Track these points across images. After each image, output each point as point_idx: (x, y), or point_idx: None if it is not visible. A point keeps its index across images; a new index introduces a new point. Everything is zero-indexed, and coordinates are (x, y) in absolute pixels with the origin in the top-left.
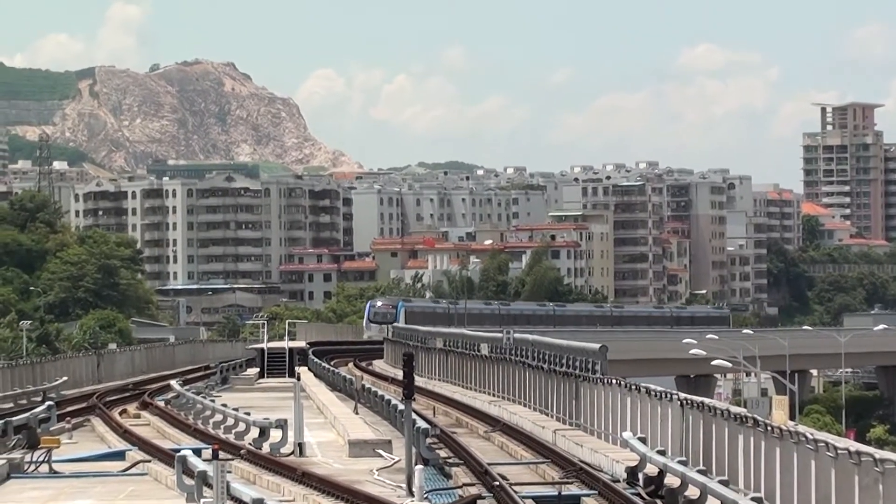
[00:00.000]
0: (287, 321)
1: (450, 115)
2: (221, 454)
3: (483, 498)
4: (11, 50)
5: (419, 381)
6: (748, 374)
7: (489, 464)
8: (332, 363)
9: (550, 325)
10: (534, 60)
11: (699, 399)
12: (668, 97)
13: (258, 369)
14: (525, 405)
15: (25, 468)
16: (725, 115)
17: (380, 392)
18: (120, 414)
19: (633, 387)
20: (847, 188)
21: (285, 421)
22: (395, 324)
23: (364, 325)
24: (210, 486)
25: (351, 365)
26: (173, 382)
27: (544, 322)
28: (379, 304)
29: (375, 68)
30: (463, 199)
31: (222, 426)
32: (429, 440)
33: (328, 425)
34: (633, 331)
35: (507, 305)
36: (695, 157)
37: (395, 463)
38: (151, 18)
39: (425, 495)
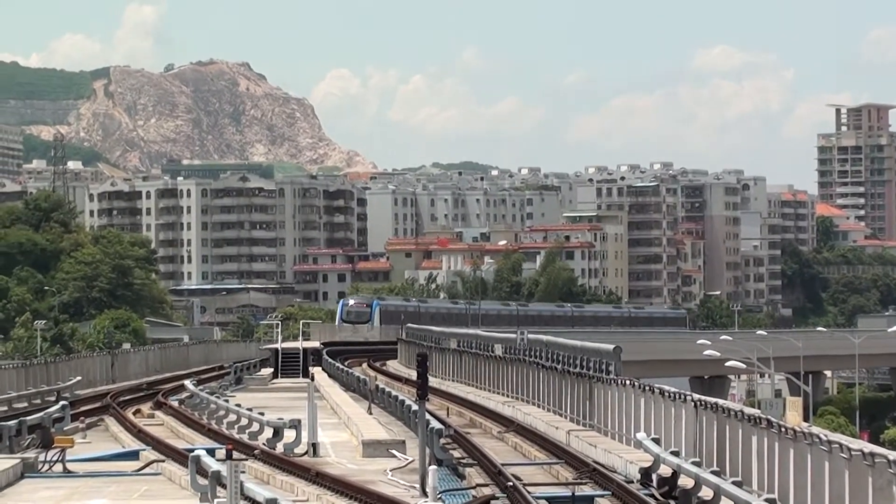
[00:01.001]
0: (301, 321)
1: (465, 115)
2: (235, 454)
3: (497, 498)
4: (27, 49)
5: (433, 381)
6: (762, 376)
7: (503, 464)
8: (346, 363)
9: (515, 324)
10: (549, 61)
11: (713, 400)
12: (683, 98)
13: (272, 369)
14: (539, 406)
15: (39, 467)
16: (740, 117)
17: (394, 392)
18: (134, 414)
19: (647, 388)
20: (861, 189)
21: (299, 421)
22: (369, 324)
23: (336, 325)
24: (224, 486)
25: (365, 365)
26: (187, 382)
27: (509, 322)
28: (352, 302)
29: (391, 69)
30: (477, 200)
31: (236, 426)
32: (442, 441)
33: (342, 425)
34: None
35: (473, 306)
36: (709, 158)
37: (409, 463)
38: (167, 19)
39: (439, 496)
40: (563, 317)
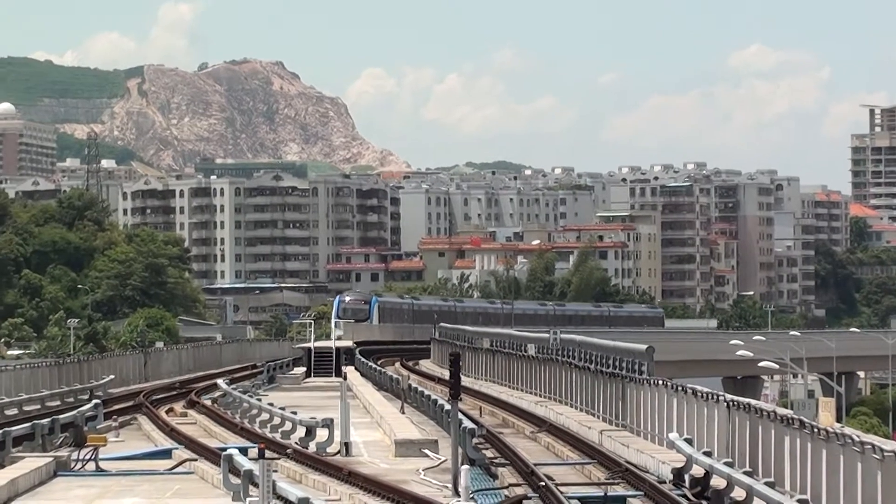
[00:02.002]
0: (334, 320)
1: (499, 114)
2: (268, 453)
3: (529, 498)
4: (62, 47)
5: (466, 381)
6: (795, 376)
7: (535, 464)
8: (378, 362)
9: (503, 325)
10: (584, 60)
11: (745, 400)
12: (718, 98)
13: (305, 368)
14: (571, 406)
15: (72, 466)
16: (775, 117)
17: (426, 392)
18: (167, 412)
19: (680, 388)
20: (895, 189)
21: (332, 420)
22: (367, 322)
23: (332, 323)
24: (256, 485)
25: (398, 364)
26: (220, 381)
27: (495, 321)
28: (348, 299)
29: (426, 68)
30: (510, 199)
31: (269, 425)
32: (475, 440)
33: (374, 425)
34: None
35: (461, 303)
36: (744, 158)
37: (442, 463)
38: (202, 17)
39: (471, 495)
40: (546, 315)
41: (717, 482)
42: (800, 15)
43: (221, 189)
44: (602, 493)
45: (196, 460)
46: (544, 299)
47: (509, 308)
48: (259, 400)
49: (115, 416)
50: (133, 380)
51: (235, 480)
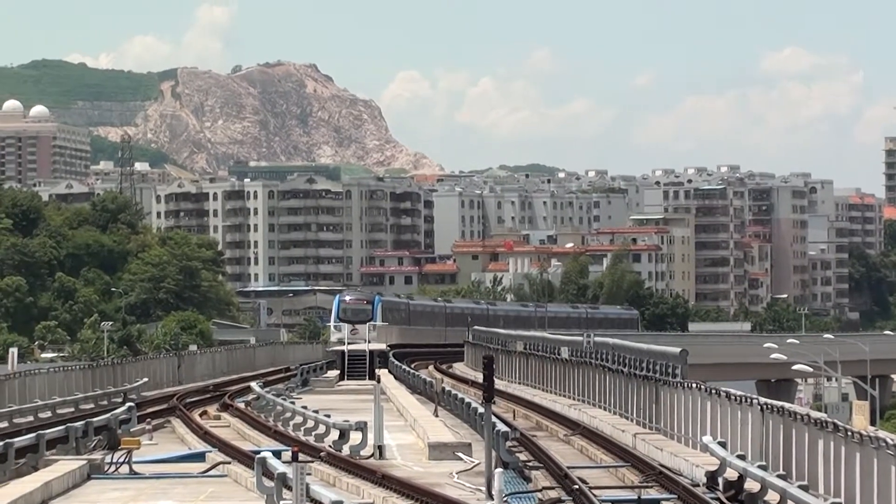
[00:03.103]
0: (368, 323)
1: (533, 117)
2: (301, 456)
3: (562, 501)
4: (97, 50)
5: (499, 384)
6: (829, 379)
7: (569, 467)
8: (412, 366)
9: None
10: (617, 63)
11: (779, 404)
12: (752, 101)
13: (338, 371)
14: (605, 409)
15: (106, 469)
16: (809, 120)
17: (460, 395)
18: (200, 415)
19: (714, 391)
20: None
21: (365, 423)
22: (370, 323)
23: (331, 325)
24: (289, 488)
25: (431, 367)
26: (253, 384)
27: (479, 319)
28: (349, 298)
29: (460, 71)
30: (544, 202)
31: (302, 428)
32: (509, 443)
33: (408, 428)
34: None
35: (448, 303)
36: (778, 161)
37: (475, 466)
38: (236, 20)
39: (505, 498)
40: (529, 317)
41: (751, 485)
42: (834, 18)
43: (255, 192)
44: (636, 497)
45: (229, 463)
46: (578, 302)
47: (494, 309)
48: (292, 403)
49: (148, 419)
50: (167, 383)
51: (269, 483)
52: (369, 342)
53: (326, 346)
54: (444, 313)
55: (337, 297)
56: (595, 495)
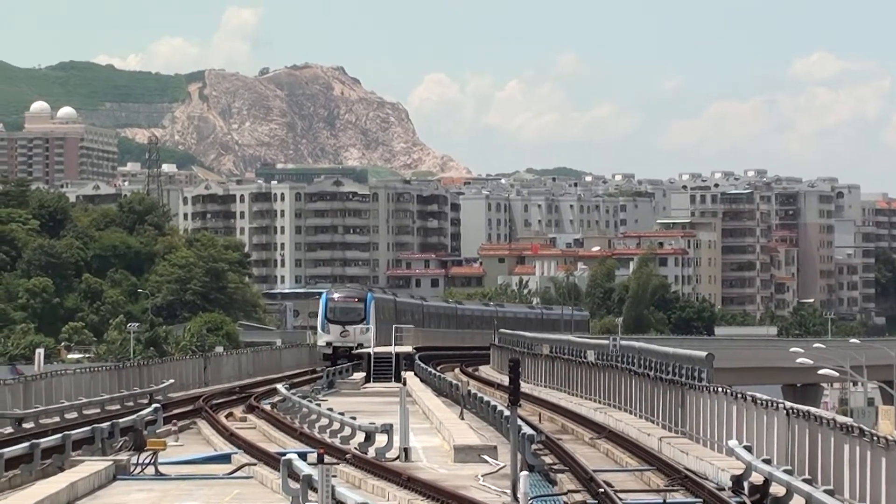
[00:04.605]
0: (394, 326)
1: (561, 121)
2: (327, 458)
3: None
4: (125, 51)
5: (525, 387)
6: (855, 384)
7: (594, 470)
8: (438, 368)
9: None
10: (645, 67)
11: (805, 408)
12: (780, 106)
13: (364, 374)
14: (630, 412)
15: (132, 470)
16: (837, 125)
17: (485, 398)
18: (226, 417)
19: (739, 395)
20: None
21: (391, 426)
22: (363, 324)
23: (318, 326)
24: (315, 490)
25: (457, 370)
26: (279, 386)
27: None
28: (337, 296)
29: (487, 74)
30: (571, 206)
31: (328, 430)
32: (534, 446)
33: (434, 430)
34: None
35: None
36: (805, 165)
37: (501, 469)
38: (264, 22)
39: (530, 501)
40: (491, 317)
41: (777, 490)
42: (863, 23)
43: (282, 194)
44: (661, 500)
45: (255, 465)
46: (605, 306)
47: (461, 308)
48: (318, 405)
49: (174, 421)
50: (193, 384)
51: (294, 485)
52: (361, 344)
53: (318, 349)
54: (421, 311)
55: (324, 294)
56: (620, 498)
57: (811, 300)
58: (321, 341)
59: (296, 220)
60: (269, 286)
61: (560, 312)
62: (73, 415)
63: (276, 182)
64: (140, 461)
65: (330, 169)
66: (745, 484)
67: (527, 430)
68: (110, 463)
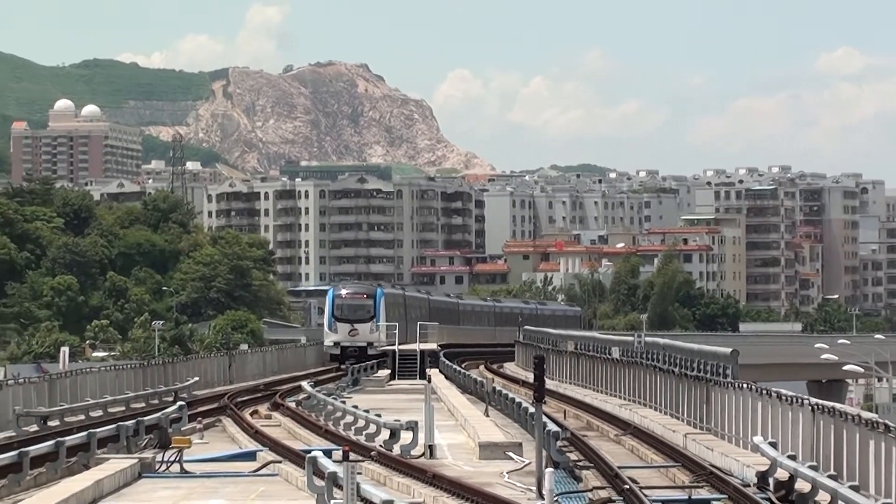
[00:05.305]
0: (418, 323)
1: (585, 117)
2: (352, 455)
3: (613, 501)
4: (149, 49)
5: (550, 384)
6: (880, 380)
7: (619, 467)
8: (462, 365)
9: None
10: (670, 64)
11: (830, 404)
12: (804, 101)
13: (389, 371)
14: (655, 409)
15: (157, 468)
16: (861, 120)
17: (510, 395)
18: (251, 414)
19: (764, 391)
20: None
21: (416, 423)
22: (372, 322)
23: (325, 325)
24: (340, 488)
25: (482, 367)
26: (304, 384)
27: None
28: (345, 292)
29: (512, 70)
30: (595, 202)
31: (353, 428)
32: (559, 443)
33: (459, 427)
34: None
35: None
36: (829, 161)
37: (526, 465)
38: (289, 20)
39: (555, 498)
40: (490, 312)
41: (802, 486)
42: (888, 19)
43: (306, 191)
44: (686, 497)
45: (280, 462)
46: (629, 303)
47: (462, 303)
48: (343, 402)
49: (199, 418)
50: (217, 382)
51: (320, 482)
52: (371, 343)
53: (325, 349)
54: (427, 306)
55: (330, 290)
56: (646, 495)
57: (836, 296)
58: (328, 341)
59: (320, 218)
60: (294, 284)
61: (552, 308)
62: (98, 413)
63: (300, 179)
64: (165, 459)
65: (354, 166)
66: (771, 480)
67: (552, 426)
68: (135, 461)
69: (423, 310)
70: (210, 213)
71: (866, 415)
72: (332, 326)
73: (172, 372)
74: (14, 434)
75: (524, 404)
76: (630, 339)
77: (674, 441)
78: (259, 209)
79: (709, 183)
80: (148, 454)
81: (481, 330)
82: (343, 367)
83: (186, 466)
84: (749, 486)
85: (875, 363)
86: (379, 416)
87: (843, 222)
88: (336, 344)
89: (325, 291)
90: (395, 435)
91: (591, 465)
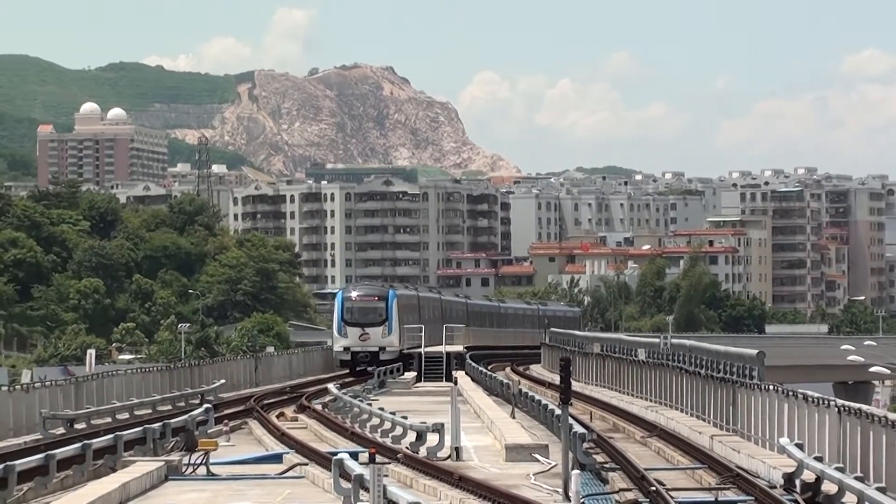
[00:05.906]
0: (444, 325)
1: (611, 119)
2: (378, 458)
3: (639, 503)
4: (175, 52)
5: (576, 385)
6: None
7: (646, 469)
8: (489, 367)
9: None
10: (696, 66)
11: (856, 406)
12: (830, 103)
13: (415, 373)
14: (682, 411)
15: (183, 470)
16: (887, 122)
17: (537, 396)
18: (277, 417)
19: (791, 393)
20: None
21: (442, 425)
22: (384, 325)
23: (334, 329)
24: (366, 490)
25: (508, 369)
26: (330, 386)
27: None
28: (355, 294)
29: (538, 73)
30: (621, 204)
31: (379, 430)
32: (585, 445)
33: (485, 429)
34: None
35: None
36: (855, 163)
37: (552, 468)
38: (315, 23)
39: (582, 500)
40: (495, 313)
41: (828, 487)
42: None
43: (332, 194)
44: (713, 498)
45: (307, 465)
46: (655, 304)
47: (471, 304)
48: (369, 405)
49: (225, 421)
50: (244, 384)
51: (346, 485)
52: (383, 349)
53: (334, 355)
54: (439, 306)
55: (339, 292)
56: (672, 497)
57: (862, 297)
58: (337, 346)
59: (346, 220)
60: (320, 286)
61: (553, 309)
62: (125, 415)
63: (325, 182)
64: (192, 461)
65: (380, 169)
66: (797, 482)
67: (578, 428)
68: (162, 463)
69: (436, 311)
70: (236, 216)
71: (893, 416)
72: (342, 331)
73: (199, 374)
74: (41, 437)
75: (550, 406)
76: (656, 340)
77: (700, 443)
78: (285, 212)
79: (734, 185)
80: (174, 457)
81: (485, 332)
82: (353, 374)
83: (213, 469)
84: (775, 487)
85: None
86: (405, 418)
87: (869, 224)
88: (346, 349)
89: None
90: (421, 437)
91: (618, 466)
